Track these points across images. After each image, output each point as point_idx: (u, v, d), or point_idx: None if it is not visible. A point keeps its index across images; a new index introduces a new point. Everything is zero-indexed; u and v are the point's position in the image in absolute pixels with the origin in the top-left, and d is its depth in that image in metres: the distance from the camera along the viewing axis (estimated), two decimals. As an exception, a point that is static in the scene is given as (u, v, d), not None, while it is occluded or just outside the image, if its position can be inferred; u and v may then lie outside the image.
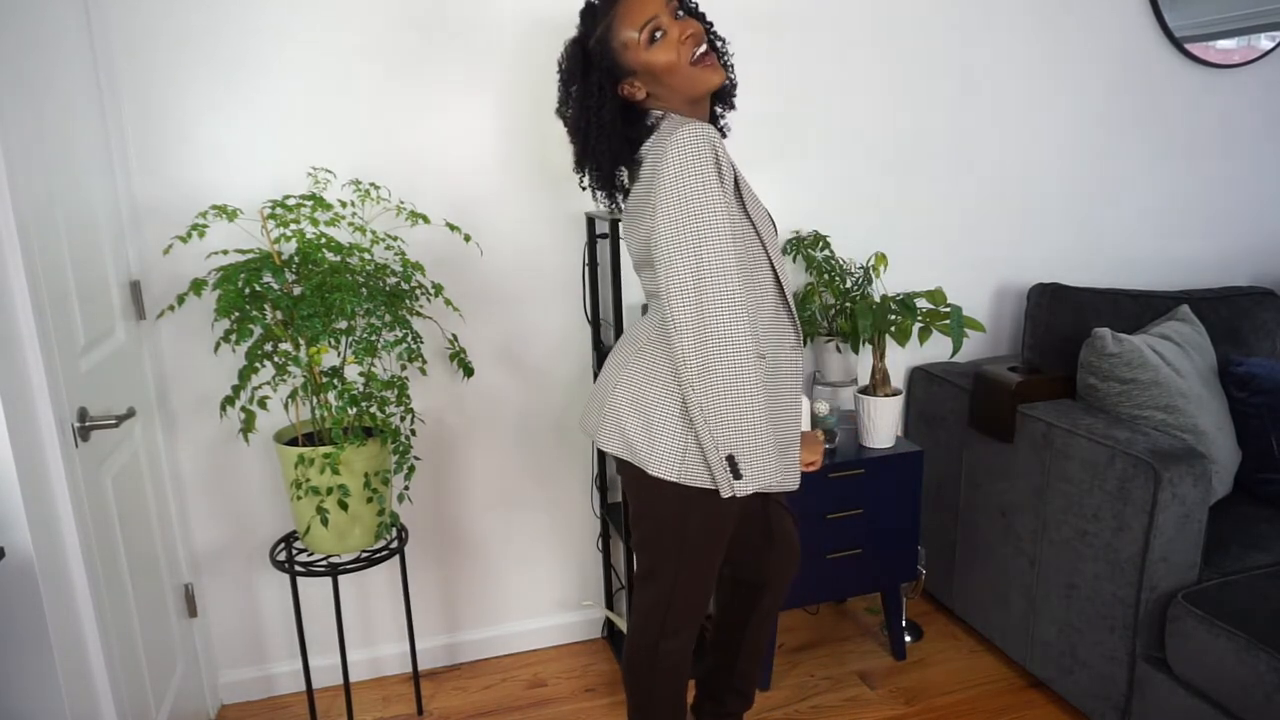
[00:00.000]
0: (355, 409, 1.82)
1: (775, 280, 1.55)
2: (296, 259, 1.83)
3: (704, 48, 1.48)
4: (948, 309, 2.15)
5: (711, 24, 1.58)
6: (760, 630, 1.89)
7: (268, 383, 1.99)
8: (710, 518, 1.56)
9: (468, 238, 2.01)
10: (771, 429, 1.49)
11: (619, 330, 2.08)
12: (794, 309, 1.58)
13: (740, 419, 1.44)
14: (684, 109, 1.52)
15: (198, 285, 1.78)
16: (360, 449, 1.85)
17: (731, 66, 1.62)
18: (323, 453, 1.81)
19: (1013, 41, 2.50)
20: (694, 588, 1.63)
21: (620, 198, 1.60)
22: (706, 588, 1.65)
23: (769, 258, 1.53)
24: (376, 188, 2.08)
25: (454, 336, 2.12)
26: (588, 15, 1.51)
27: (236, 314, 1.75)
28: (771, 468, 1.47)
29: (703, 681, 1.97)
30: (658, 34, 1.45)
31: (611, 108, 1.50)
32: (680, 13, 1.49)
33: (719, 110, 1.66)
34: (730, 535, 1.67)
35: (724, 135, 1.66)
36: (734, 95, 1.66)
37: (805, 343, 2.38)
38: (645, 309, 1.62)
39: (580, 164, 1.57)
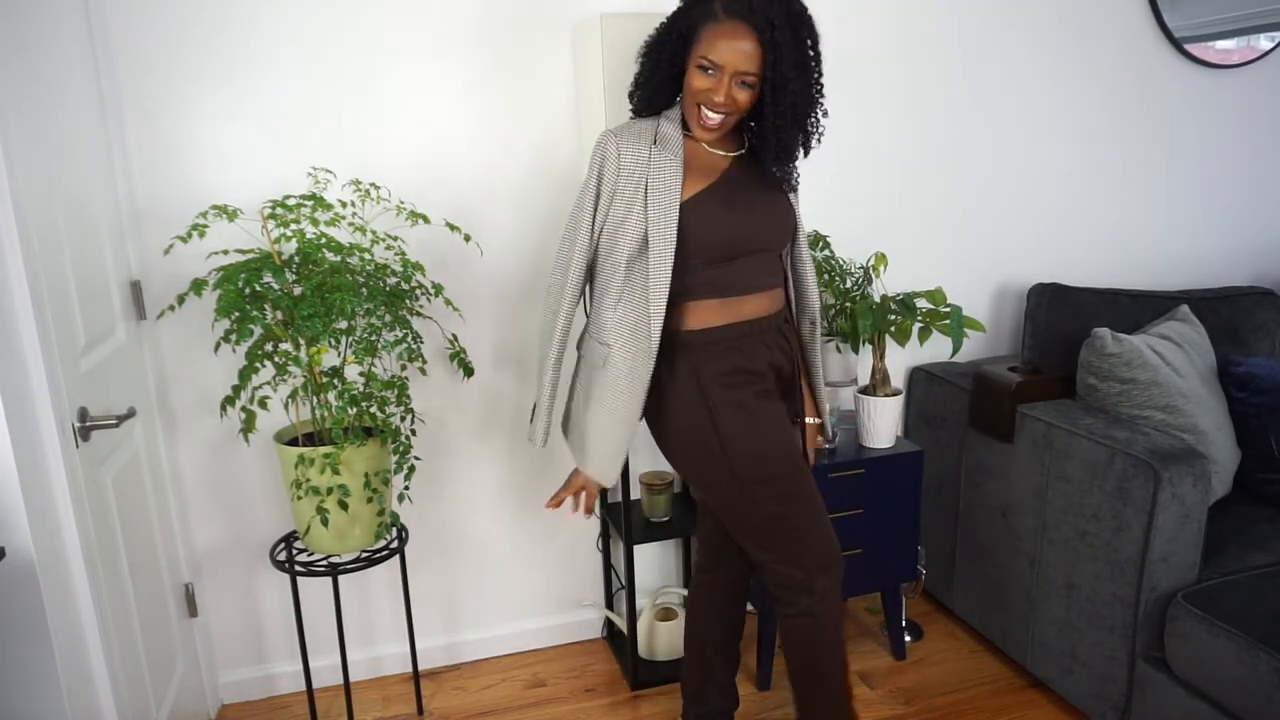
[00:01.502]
0: (355, 409, 1.82)
1: (643, 293, 1.57)
2: (296, 259, 1.83)
3: (716, 118, 1.53)
4: (948, 309, 2.15)
5: (792, 122, 1.54)
6: (726, 628, 1.93)
7: (268, 383, 1.99)
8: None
9: (468, 238, 2.01)
10: (550, 399, 1.70)
11: (619, 330, 2.09)
12: (656, 327, 1.57)
13: (538, 378, 1.72)
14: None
15: (198, 285, 1.78)
16: (360, 449, 1.85)
17: (789, 167, 1.64)
18: (323, 453, 1.81)
19: (1012, 42, 2.50)
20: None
21: None
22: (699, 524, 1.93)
23: (645, 272, 1.57)
24: (376, 188, 2.08)
25: (454, 336, 2.12)
26: None
27: (236, 314, 1.75)
28: (538, 431, 1.72)
29: (683, 684, 1.99)
30: (708, 71, 1.50)
31: (671, 59, 1.56)
32: (744, 84, 1.50)
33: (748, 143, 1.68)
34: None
35: (759, 162, 1.64)
36: (774, 156, 1.62)
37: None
38: None
39: (631, 94, 1.65)
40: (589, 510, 1.73)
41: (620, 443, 1.64)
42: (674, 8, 1.58)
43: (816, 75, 1.55)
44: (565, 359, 1.73)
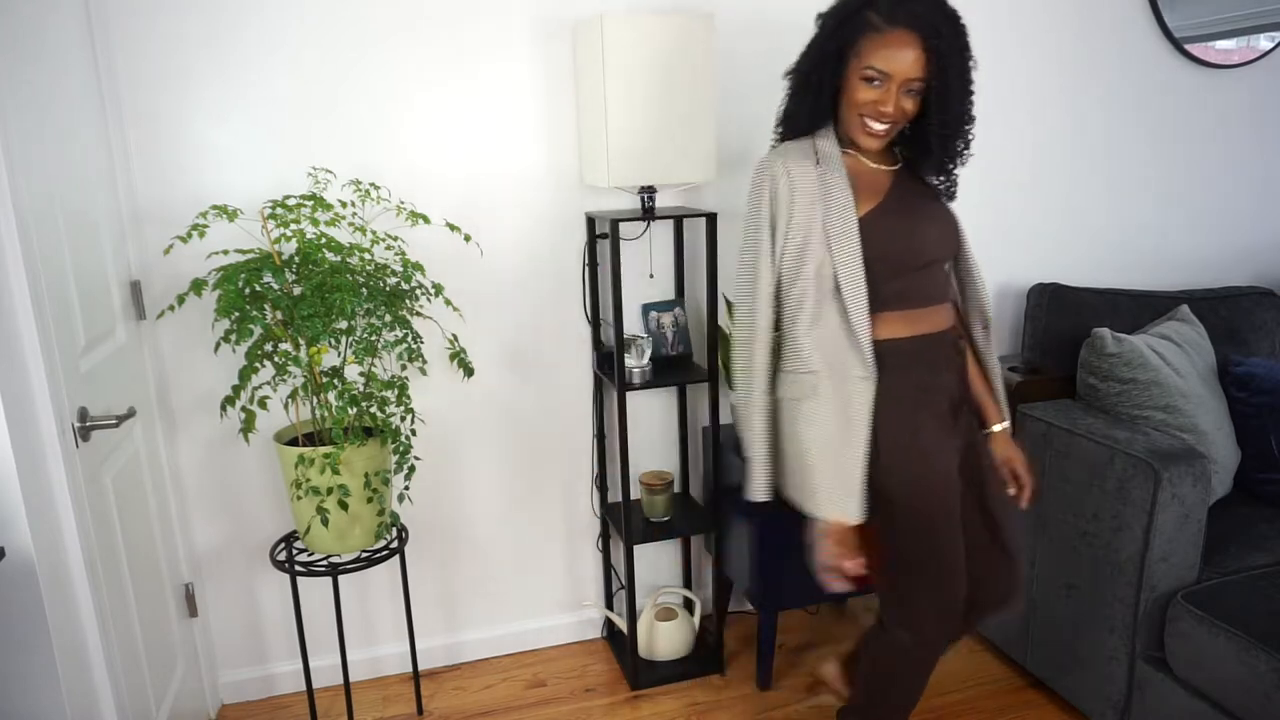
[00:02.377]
0: (355, 409, 1.82)
1: (841, 310, 1.52)
2: (296, 259, 1.83)
3: (883, 127, 1.50)
4: (948, 309, 2.14)
5: (958, 128, 1.52)
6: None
7: (268, 383, 1.99)
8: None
9: (468, 238, 2.01)
10: (766, 445, 1.61)
11: (619, 330, 2.08)
12: (865, 340, 1.51)
13: (744, 426, 1.62)
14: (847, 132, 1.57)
15: (198, 285, 1.78)
16: (360, 449, 1.85)
17: (952, 175, 1.61)
18: (323, 453, 1.81)
19: (1011, 42, 2.50)
20: None
21: None
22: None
23: (838, 288, 1.52)
24: (376, 188, 2.08)
25: (454, 336, 2.12)
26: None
27: (236, 314, 1.75)
28: (759, 485, 1.61)
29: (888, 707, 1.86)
30: (874, 82, 1.48)
31: (831, 78, 1.53)
32: (910, 92, 1.47)
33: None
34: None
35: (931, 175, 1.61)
36: (938, 165, 1.59)
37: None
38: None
39: (782, 121, 1.64)
40: (856, 565, 1.55)
41: (855, 472, 1.51)
42: (819, 27, 1.56)
43: (972, 80, 1.52)
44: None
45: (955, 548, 1.59)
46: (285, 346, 1.88)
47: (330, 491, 1.84)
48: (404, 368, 1.91)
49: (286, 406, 2.01)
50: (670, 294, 2.37)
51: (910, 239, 1.56)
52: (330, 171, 2.07)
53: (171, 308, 1.88)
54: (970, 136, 1.57)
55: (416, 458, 2.18)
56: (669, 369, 2.24)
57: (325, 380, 1.87)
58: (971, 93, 1.52)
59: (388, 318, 1.83)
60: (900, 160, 1.63)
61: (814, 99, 1.56)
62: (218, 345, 1.87)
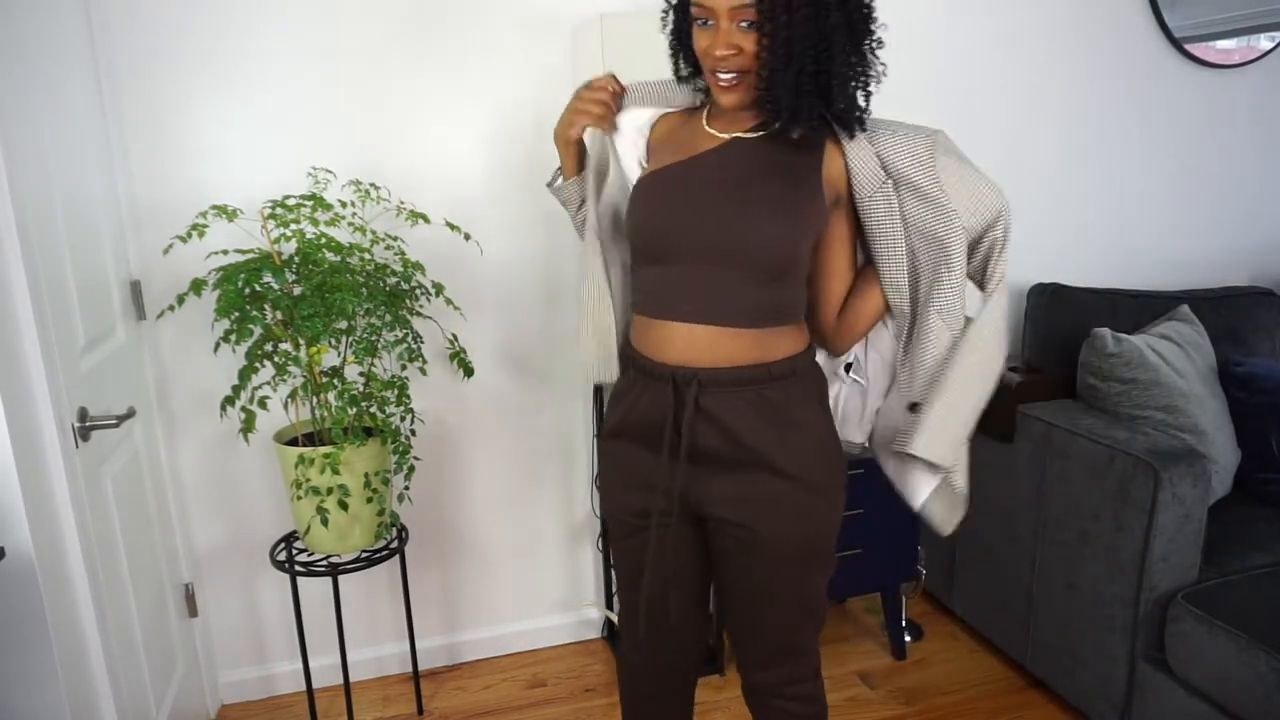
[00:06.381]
0: (355, 409, 1.82)
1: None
2: (296, 259, 1.83)
3: (728, 75, 1.23)
4: (948, 309, 2.14)
5: (815, 55, 1.19)
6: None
7: (268, 383, 1.99)
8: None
9: (468, 237, 2.01)
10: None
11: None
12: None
13: None
14: None
15: (198, 285, 1.78)
16: (360, 449, 1.85)
17: (788, 106, 1.23)
18: (323, 453, 1.81)
19: (1010, 41, 2.49)
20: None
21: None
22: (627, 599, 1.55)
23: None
24: (376, 188, 2.08)
25: (454, 336, 2.12)
26: None
27: (236, 314, 1.75)
28: None
29: None
30: (705, 22, 1.23)
31: (676, 25, 1.33)
32: (746, 25, 1.19)
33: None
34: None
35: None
36: (769, 106, 1.24)
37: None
38: None
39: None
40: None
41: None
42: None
43: (839, 13, 1.19)
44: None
45: (635, 570, 1.47)
46: (285, 346, 1.88)
47: (330, 491, 1.84)
48: (404, 368, 1.91)
49: (286, 406, 2.01)
50: (670, 294, 2.37)
51: (651, 214, 1.30)
52: (330, 171, 2.07)
53: (171, 308, 1.88)
54: (854, 81, 1.24)
55: (416, 458, 2.17)
56: (669, 369, 2.24)
57: (325, 380, 1.87)
58: (826, 25, 1.18)
59: (388, 318, 1.83)
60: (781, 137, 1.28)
61: (682, 65, 1.36)
62: (218, 345, 1.87)
